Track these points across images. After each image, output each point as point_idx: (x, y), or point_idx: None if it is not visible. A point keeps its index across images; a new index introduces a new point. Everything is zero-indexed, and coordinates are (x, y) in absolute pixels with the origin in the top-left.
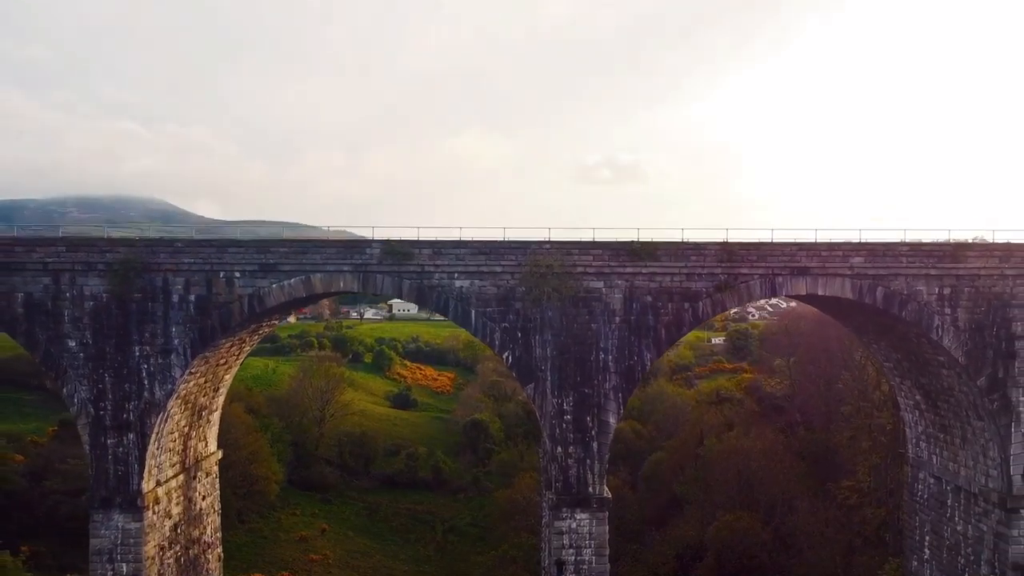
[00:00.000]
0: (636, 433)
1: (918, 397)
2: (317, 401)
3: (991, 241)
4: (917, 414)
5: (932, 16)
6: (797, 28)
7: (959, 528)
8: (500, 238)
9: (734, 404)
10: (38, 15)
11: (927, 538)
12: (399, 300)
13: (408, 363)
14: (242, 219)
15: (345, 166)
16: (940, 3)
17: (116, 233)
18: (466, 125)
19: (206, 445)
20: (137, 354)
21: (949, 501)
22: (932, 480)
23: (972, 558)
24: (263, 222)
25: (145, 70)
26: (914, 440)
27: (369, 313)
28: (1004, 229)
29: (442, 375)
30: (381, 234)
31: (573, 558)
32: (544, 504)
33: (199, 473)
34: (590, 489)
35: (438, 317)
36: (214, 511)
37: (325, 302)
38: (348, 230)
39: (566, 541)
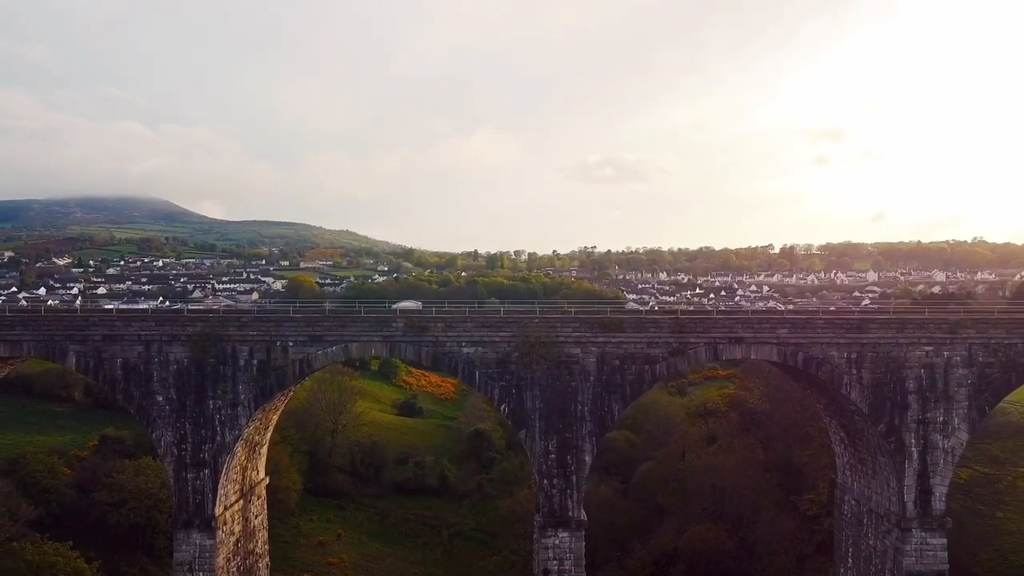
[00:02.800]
0: (629, 443)
1: (842, 434)
2: (331, 413)
3: (891, 315)
4: (842, 447)
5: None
6: (798, 26)
7: (871, 542)
8: (500, 314)
9: (718, 417)
10: (41, 15)
11: (850, 550)
12: (400, 304)
13: (413, 370)
14: (246, 219)
15: (351, 167)
16: (939, 3)
17: (120, 233)
18: (476, 126)
19: (258, 473)
20: (211, 407)
21: (865, 520)
22: (854, 502)
23: (880, 568)
24: (266, 222)
25: (148, 70)
26: (841, 468)
27: None
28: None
29: (445, 381)
30: (382, 236)
31: (556, 568)
32: (535, 523)
33: (253, 497)
34: (570, 513)
35: None
36: (263, 527)
37: (327, 306)
38: (350, 230)
39: (551, 554)
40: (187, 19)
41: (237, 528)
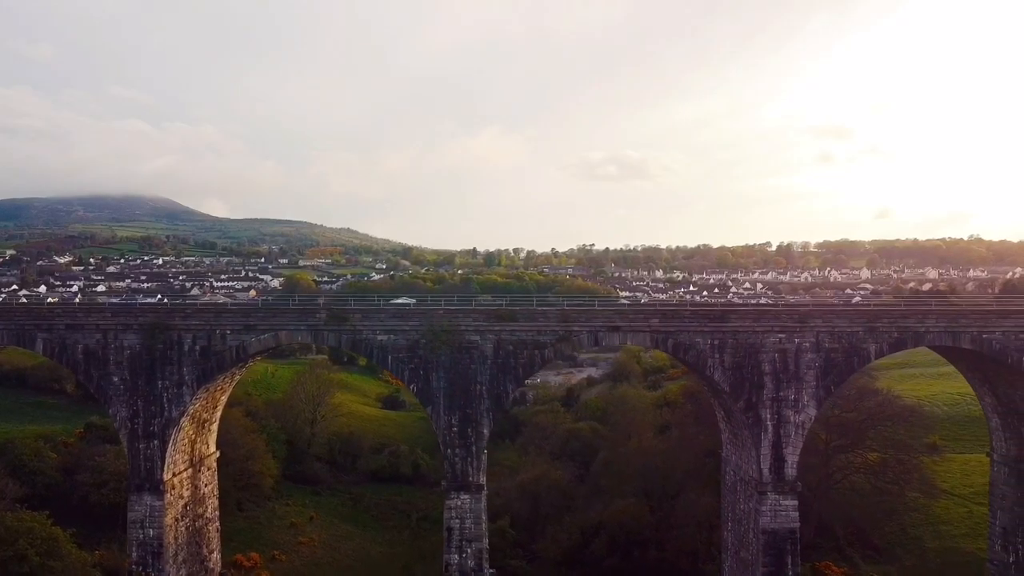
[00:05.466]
0: (594, 432)
1: (722, 412)
2: (310, 404)
3: (749, 307)
4: (724, 424)
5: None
6: (804, 23)
7: (742, 506)
8: (410, 307)
9: (674, 408)
10: (47, 14)
11: (729, 514)
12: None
13: None
14: (248, 218)
15: (358, 166)
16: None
17: (122, 232)
18: (483, 125)
19: (208, 447)
20: (160, 386)
21: (739, 487)
22: (732, 472)
23: (747, 528)
24: (268, 220)
25: (154, 70)
26: (724, 443)
27: None
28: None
29: None
30: (383, 234)
31: (458, 526)
32: (442, 487)
33: (202, 468)
34: (471, 479)
35: None
36: (213, 495)
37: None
38: (351, 228)
39: (454, 514)
40: (193, 18)
41: (186, 493)
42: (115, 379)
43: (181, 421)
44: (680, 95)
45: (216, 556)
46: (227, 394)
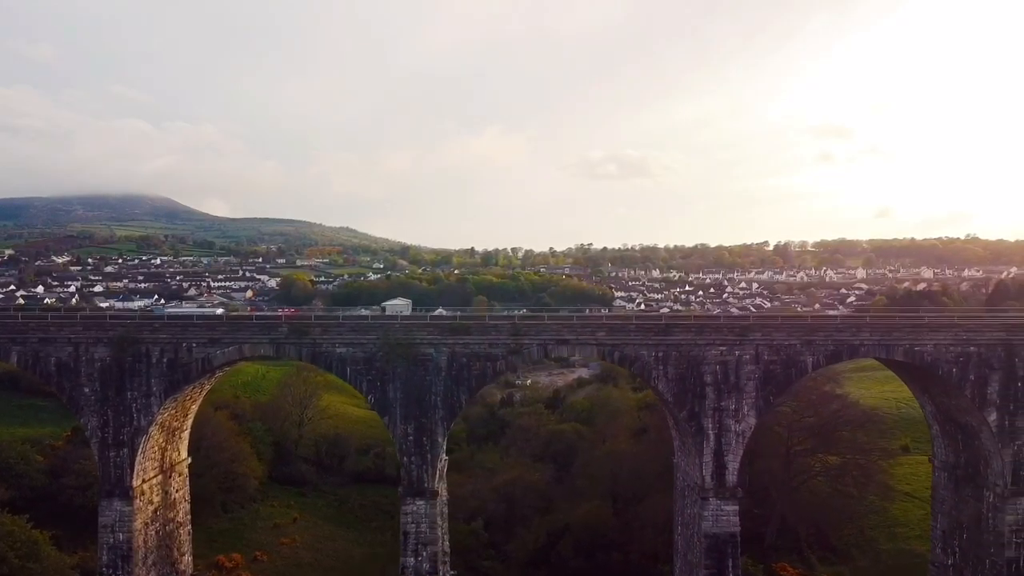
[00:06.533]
0: (578, 433)
1: (671, 421)
2: (297, 406)
3: (691, 321)
4: (674, 433)
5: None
6: (804, 22)
7: (689, 510)
8: (368, 321)
9: (653, 411)
10: (47, 14)
11: (679, 518)
12: (390, 302)
13: None
14: (248, 217)
15: (360, 165)
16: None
17: (121, 231)
18: (485, 124)
19: (179, 454)
20: (129, 397)
21: (687, 493)
22: (681, 477)
23: (692, 531)
24: (267, 219)
25: (155, 69)
26: (676, 449)
27: None
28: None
29: None
30: (383, 233)
31: (414, 530)
32: (399, 493)
33: (173, 474)
34: (425, 485)
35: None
36: (185, 500)
37: (318, 304)
38: (350, 227)
39: (410, 519)
40: (193, 17)
41: (156, 499)
42: (86, 390)
43: (150, 430)
44: (680, 95)
45: (188, 559)
46: (198, 403)
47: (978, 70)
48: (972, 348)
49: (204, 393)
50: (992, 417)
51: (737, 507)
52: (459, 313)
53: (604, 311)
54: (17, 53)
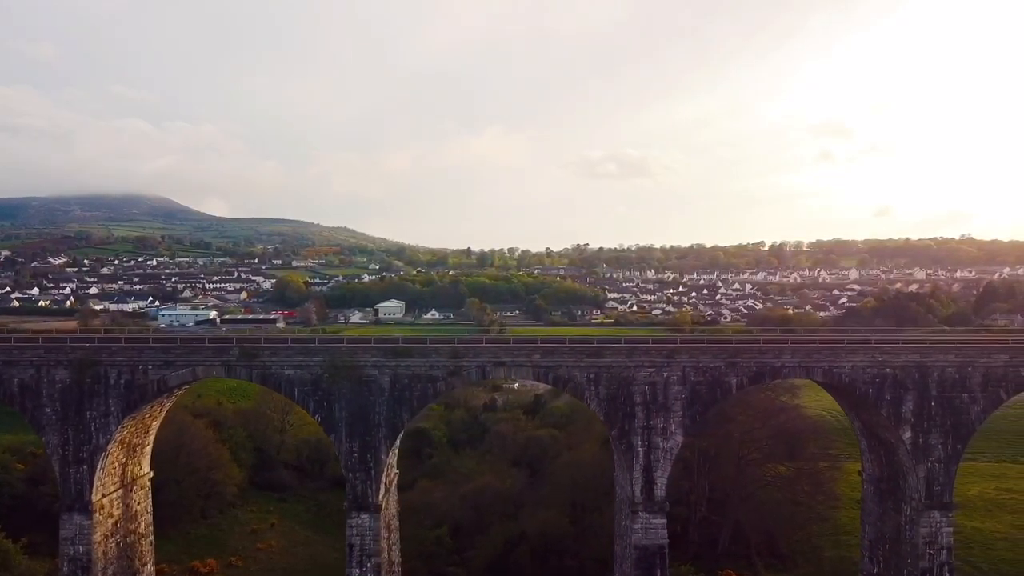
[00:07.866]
0: (553, 439)
1: (609, 438)
2: (279, 412)
3: (622, 344)
4: (615, 447)
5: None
6: (802, 23)
7: (624, 523)
8: (315, 344)
9: None
10: (48, 13)
11: (617, 530)
12: (383, 304)
13: None
14: (247, 217)
15: (360, 165)
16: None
17: (118, 231)
18: (485, 124)
19: (141, 468)
20: (88, 416)
21: (623, 507)
22: (619, 491)
23: (625, 543)
24: (265, 219)
25: (155, 69)
26: (615, 465)
27: (355, 317)
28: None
29: None
30: (381, 233)
31: (359, 542)
32: (344, 507)
33: (135, 487)
34: (370, 499)
35: (422, 320)
36: (147, 512)
37: (311, 307)
38: (348, 227)
39: (355, 531)
40: (194, 17)
41: (116, 512)
42: (47, 410)
43: (108, 447)
44: (680, 95)
45: (149, 568)
46: (159, 420)
47: (978, 70)
48: (888, 370)
49: (164, 411)
50: (907, 435)
51: (665, 520)
52: (400, 337)
53: (596, 312)
54: (17, 53)
